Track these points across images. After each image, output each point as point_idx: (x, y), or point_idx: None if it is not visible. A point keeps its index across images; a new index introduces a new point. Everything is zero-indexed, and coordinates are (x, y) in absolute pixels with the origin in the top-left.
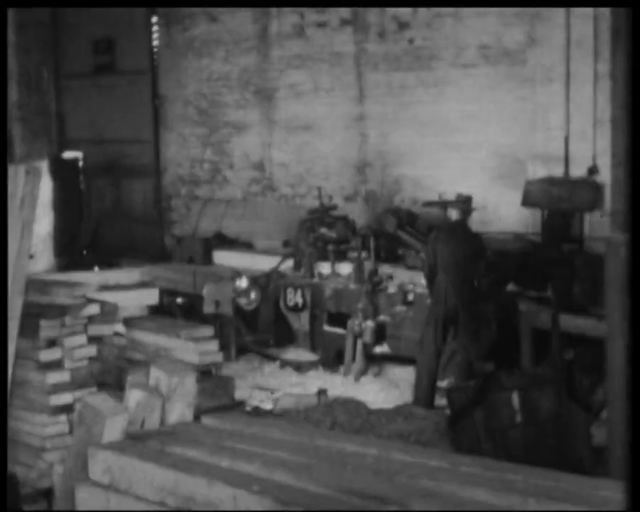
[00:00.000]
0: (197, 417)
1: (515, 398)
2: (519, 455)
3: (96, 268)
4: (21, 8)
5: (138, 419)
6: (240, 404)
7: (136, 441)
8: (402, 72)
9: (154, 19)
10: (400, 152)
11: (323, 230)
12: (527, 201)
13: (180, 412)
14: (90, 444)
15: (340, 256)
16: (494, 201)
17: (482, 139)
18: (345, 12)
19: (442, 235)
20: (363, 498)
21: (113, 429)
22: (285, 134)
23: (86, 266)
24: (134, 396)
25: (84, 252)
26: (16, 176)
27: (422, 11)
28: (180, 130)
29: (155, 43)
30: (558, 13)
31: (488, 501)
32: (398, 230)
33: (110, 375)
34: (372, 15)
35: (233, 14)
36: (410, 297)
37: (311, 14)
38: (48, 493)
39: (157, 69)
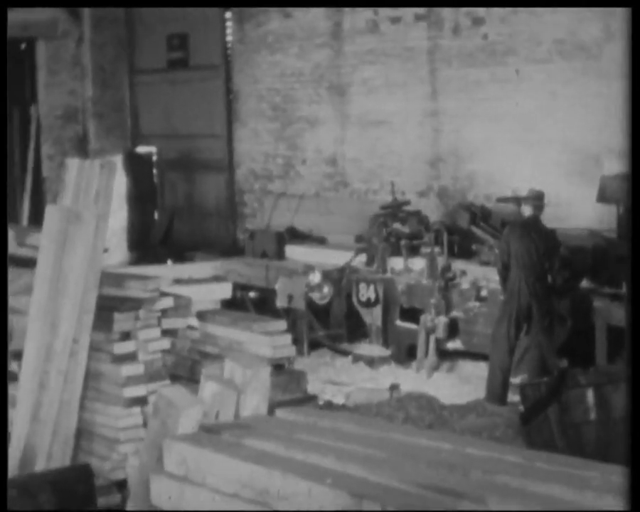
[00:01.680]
0: (270, 411)
1: (590, 395)
2: (593, 452)
3: (169, 262)
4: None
5: (213, 412)
6: (313, 399)
7: (211, 433)
8: (476, 68)
9: (228, 15)
10: (474, 147)
11: (396, 225)
12: (602, 197)
13: (254, 404)
14: (165, 436)
15: (413, 251)
16: (568, 197)
17: (556, 134)
18: (419, 7)
19: (516, 230)
20: (437, 492)
21: (188, 421)
22: (358, 129)
23: (159, 260)
24: (209, 388)
25: (158, 246)
26: (91, 170)
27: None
28: (253, 125)
29: (228, 38)
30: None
31: (563, 497)
32: (471, 225)
33: (183, 367)
34: (446, 10)
35: (306, 10)
36: (483, 293)
37: (385, 10)
38: (121, 485)
39: (230, 64)
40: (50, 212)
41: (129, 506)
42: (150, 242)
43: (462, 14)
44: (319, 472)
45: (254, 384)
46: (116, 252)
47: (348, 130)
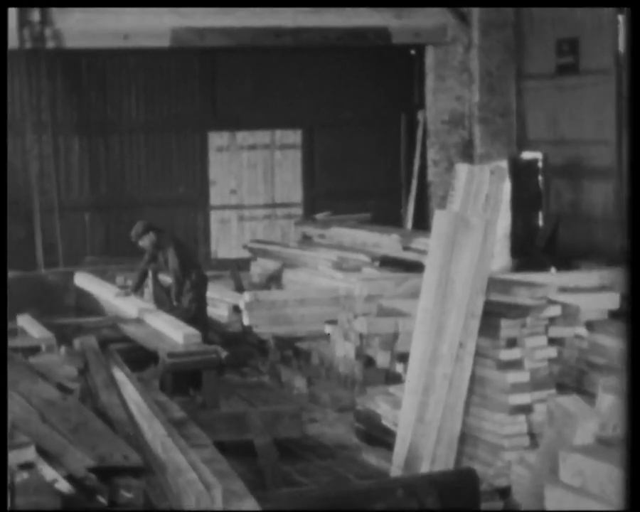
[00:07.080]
0: None
1: None
2: None
3: (552, 269)
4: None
5: (610, 424)
6: None
7: (608, 446)
8: None
9: (620, 18)
10: None
11: None
12: None
13: None
14: (560, 446)
15: None
16: None
17: None
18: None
19: None
20: None
21: (584, 433)
22: None
23: (542, 267)
24: (606, 400)
25: (542, 253)
26: (481, 176)
27: None
28: None
29: (621, 42)
30: None
31: None
32: None
33: (570, 377)
34: None
35: None
36: None
37: None
38: (504, 492)
39: (622, 69)
40: (439, 218)
41: None
42: (533, 250)
43: None
44: None
45: None
46: (499, 258)
47: None
